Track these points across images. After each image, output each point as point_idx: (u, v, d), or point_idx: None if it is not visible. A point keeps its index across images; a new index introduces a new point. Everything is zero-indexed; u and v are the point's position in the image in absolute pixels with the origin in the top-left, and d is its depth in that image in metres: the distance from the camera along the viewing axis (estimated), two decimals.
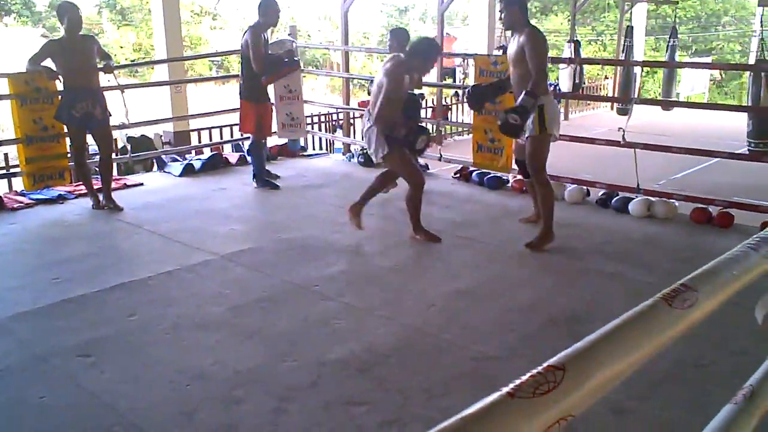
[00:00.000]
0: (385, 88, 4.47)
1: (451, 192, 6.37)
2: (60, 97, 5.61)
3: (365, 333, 3.40)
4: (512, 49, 4.54)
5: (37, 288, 4.01)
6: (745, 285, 1.13)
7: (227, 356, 3.18)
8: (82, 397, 2.85)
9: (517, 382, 0.67)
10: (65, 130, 5.74)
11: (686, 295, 0.91)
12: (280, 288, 4.03)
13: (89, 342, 3.31)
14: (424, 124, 5.24)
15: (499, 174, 6.50)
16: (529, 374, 0.69)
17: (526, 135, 4.56)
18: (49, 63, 5.41)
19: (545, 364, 0.71)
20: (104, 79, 5.76)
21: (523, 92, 4.38)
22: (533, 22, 4.76)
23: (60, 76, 5.47)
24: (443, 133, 11.75)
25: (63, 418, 2.71)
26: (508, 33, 4.73)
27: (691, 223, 5.37)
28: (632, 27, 13.03)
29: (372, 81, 4.91)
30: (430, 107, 12.24)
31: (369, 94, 5.07)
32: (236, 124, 8.90)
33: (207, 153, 7.72)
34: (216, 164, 7.23)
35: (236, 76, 6.42)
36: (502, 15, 4.51)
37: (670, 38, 12.92)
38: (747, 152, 7.53)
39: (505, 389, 0.65)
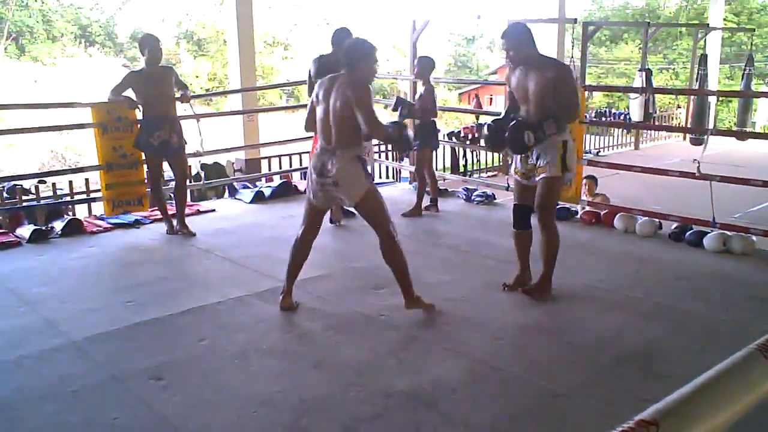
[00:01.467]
0: (365, 102, 3.71)
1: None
2: (139, 125, 5.83)
3: (432, 365, 3.38)
4: (527, 83, 4.08)
5: (112, 310, 4.15)
6: None
7: (294, 384, 3.20)
8: (154, 420, 2.91)
9: None
10: (143, 157, 5.95)
11: None
12: (347, 316, 4.05)
13: (161, 365, 3.39)
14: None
15: (567, 205, 6.40)
16: (620, 428, 0.67)
17: (544, 175, 4.13)
18: (129, 93, 5.64)
19: (636, 418, 0.68)
20: (181, 108, 5.96)
21: (551, 119, 3.99)
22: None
23: (140, 105, 5.69)
24: (510, 162, 11.65)
25: None
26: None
27: None
28: (706, 55, 12.71)
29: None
30: None
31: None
32: (307, 152, 9.07)
33: (277, 180, 7.87)
34: (286, 192, 7.37)
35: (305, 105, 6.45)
36: (510, 54, 4.11)
37: (745, 66, 12.55)
38: None
39: None
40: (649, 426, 0.67)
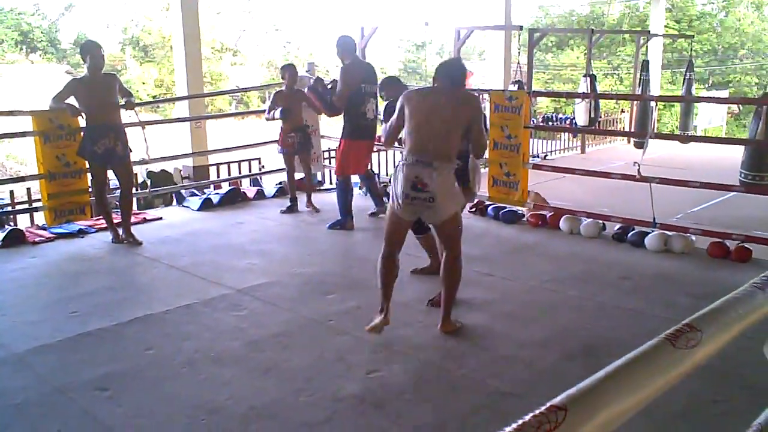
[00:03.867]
0: (482, 123, 3.80)
1: (466, 226, 6.30)
2: (82, 133, 5.72)
3: (380, 368, 3.40)
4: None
5: (55, 321, 4.06)
6: (751, 324, 1.14)
7: (243, 391, 3.19)
8: None
9: (519, 422, 0.69)
10: (87, 165, 5.84)
11: (690, 335, 0.92)
12: (296, 323, 4.04)
13: (107, 376, 3.34)
14: None
15: (514, 208, 6.51)
16: (531, 414, 0.70)
17: None
18: (72, 100, 5.53)
19: (548, 404, 0.72)
20: (126, 116, 5.87)
21: None
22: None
23: (83, 113, 5.58)
24: None
25: None
26: None
27: (708, 257, 5.34)
28: (648, 61, 13.06)
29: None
30: None
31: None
32: (255, 159, 9.03)
33: (225, 187, 7.81)
34: (234, 199, 7.32)
35: (257, 111, 6.48)
36: (383, 94, 4.76)
37: (686, 71, 12.93)
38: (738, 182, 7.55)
39: (507, 429, 0.67)
40: (558, 411, 0.70)
